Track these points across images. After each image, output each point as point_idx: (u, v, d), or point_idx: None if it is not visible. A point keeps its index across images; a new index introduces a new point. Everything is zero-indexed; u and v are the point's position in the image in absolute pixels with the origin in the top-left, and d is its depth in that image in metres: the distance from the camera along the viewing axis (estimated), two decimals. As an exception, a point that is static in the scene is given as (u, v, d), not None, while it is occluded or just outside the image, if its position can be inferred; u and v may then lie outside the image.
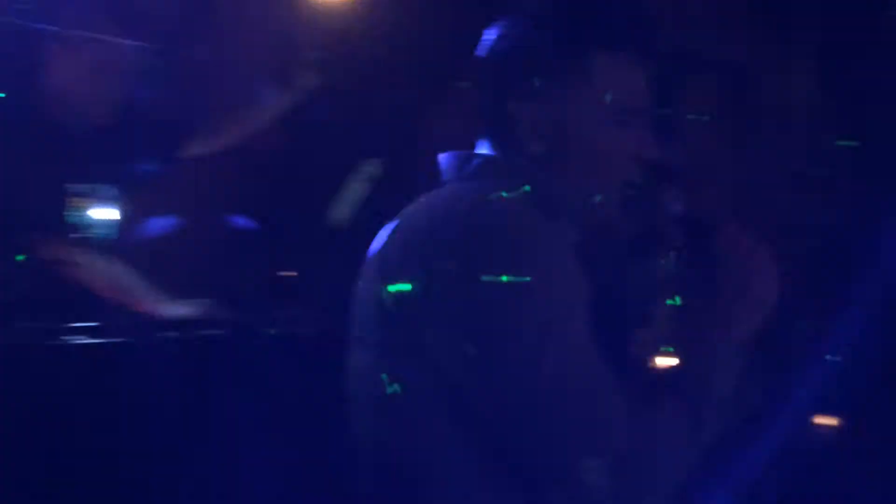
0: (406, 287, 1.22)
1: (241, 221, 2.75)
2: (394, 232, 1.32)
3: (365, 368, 1.29)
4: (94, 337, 2.06)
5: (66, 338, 2.04)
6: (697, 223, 1.37)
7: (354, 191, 2.66)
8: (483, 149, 1.35)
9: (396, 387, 1.22)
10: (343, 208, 2.71)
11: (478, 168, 1.31)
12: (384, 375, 1.23)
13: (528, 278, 1.17)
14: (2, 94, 2.26)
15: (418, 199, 1.36)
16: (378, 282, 1.27)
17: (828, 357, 1.85)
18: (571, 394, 1.16)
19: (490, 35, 1.34)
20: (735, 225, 1.30)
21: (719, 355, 1.25)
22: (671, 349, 1.29)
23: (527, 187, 1.26)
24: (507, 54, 1.31)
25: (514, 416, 1.18)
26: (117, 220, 2.49)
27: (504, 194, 1.23)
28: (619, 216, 1.33)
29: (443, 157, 1.38)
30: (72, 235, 2.36)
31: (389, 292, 1.23)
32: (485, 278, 1.17)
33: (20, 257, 2.22)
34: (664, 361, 1.30)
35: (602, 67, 1.27)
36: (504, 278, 1.17)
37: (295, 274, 2.70)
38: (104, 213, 2.45)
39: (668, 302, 1.37)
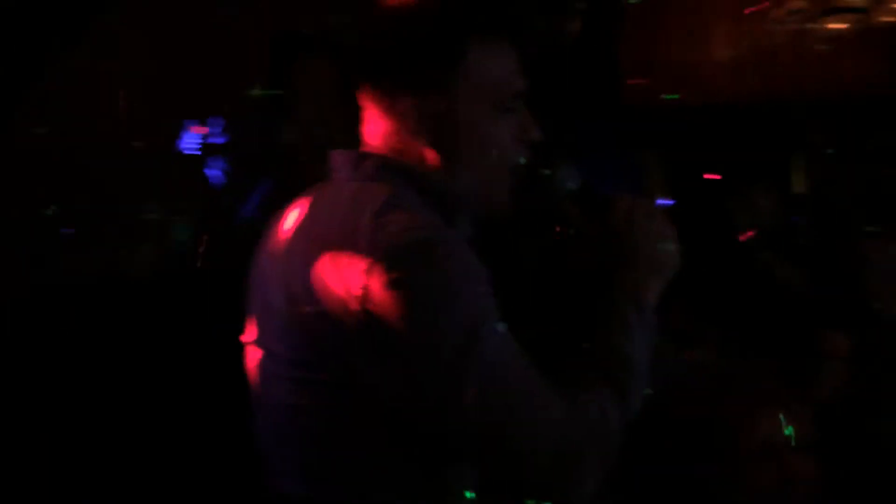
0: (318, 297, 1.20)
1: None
2: (295, 232, 1.26)
3: (275, 378, 1.28)
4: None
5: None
6: (593, 199, 1.36)
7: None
8: (372, 146, 1.34)
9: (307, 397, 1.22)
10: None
11: (373, 168, 1.30)
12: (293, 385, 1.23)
13: (445, 284, 1.17)
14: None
15: (310, 194, 1.36)
16: (283, 288, 1.24)
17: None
18: (502, 400, 1.15)
19: (369, 30, 1.35)
20: (629, 198, 1.35)
21: (628, 325, 1.26)
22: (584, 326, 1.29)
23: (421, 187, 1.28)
24: (385, 49, 1.30)
25: (449, 425, 1.17)
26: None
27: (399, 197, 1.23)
28: (511, 202, 1.33)
29: (336, 155, 1.36)
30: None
31: (298, 300, 1.22)
32: (400, 288, 1.15)
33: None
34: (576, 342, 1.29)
35: (477, 57, 1.27)
36: (419, 286, 1.16)
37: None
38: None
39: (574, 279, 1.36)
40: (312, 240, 1.25)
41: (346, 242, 1.19)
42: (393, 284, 1.14)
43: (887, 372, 3.47)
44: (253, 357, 1.36)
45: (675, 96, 5.05)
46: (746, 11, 4.68)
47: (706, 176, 2.44)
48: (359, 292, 1.15)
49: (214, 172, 3.38)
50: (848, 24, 4.08)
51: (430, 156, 1.30)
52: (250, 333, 1.37)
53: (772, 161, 4.28)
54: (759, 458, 1.55)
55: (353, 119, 1.42)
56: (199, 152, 3.43)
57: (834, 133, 4.76)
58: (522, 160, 1.34)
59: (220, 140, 3.58)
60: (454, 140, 1.29)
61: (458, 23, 1.27)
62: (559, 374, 1.22)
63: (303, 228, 1.29)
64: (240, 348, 1.38)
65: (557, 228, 1.44)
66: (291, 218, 1.34)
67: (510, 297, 1.22)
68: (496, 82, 1.29)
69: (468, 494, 1.21)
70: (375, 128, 1.35)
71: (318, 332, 1.19)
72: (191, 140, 3.44)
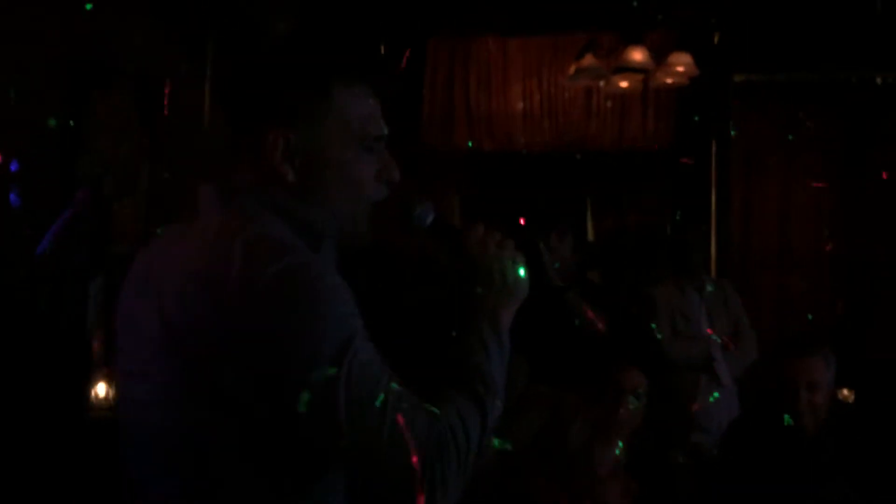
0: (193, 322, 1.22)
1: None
2: (167, 264, 1.30)
3: (146, 402, 1.27)
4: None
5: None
6: (447, 230, 1.46)
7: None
8: (239, 179, 1.36)
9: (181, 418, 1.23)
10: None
11: (241, 201, 1.32)
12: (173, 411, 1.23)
13: (315, 306, 1.20)
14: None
15: (180, 228, 1.36)
16: (157, 315, 1.25)
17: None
18: (370, 414, 1.20)
19: (242, 75, 1.38)
20: (481, 227, 1.44)
21: (486, 344, 1.34)
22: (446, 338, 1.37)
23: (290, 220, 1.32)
24: (254, 93, 1.34)
25: (323, 440, 1.21)
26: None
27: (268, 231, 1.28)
28: (367, 232, 1.40)
29: (204, 190, 1.37)
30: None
31: (173, 326, 1.23)
32: (273, 311, 1.19)
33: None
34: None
35: (342, 100, 1.33)
36: (291, 309, 1.19)
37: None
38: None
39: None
40: (186, 270, 1.24)
41: (218, 271, 1.19)
42: (266, 308, 1.17)
43: (675, 405, 3.76)
44: (125, 384, 1.34)
45: (469, 144, 5.31)
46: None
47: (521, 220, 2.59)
48: (233, 315, 1.17)
49: (13, 199, 3.22)
50: (632, 84, 4.42)
51: (296, 187, 1.33)
52: (122, 361, 1.35)
53: (566, 208, 4.54)
54: (610, 478, 1.68)
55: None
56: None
57: (619, 183, 5.14)
58: (379, 196, 1.39)
59: (13, 168, 3.42)
60: (320, 173, 1.33)
61: (324, 63, 1.34)
62: (420, 388, 1.27)
63: (175, 259, 1.29)
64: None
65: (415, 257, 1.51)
66: (160, 251, 1.34)
67: (373, 318, 1.28)
68: (360, 123, 1.35)
69: None
70: (244, 160, 1.36)
71: (194, 355, 1.19)
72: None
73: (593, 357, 2.68)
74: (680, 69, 4.14)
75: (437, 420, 1.24)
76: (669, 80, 4.26)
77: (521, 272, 1.40)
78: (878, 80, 5.47)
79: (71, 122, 3.73)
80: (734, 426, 2.97)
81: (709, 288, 4.16)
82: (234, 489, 1.23)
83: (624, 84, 4.39)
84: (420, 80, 5.35)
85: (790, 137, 5.55)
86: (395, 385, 1.23)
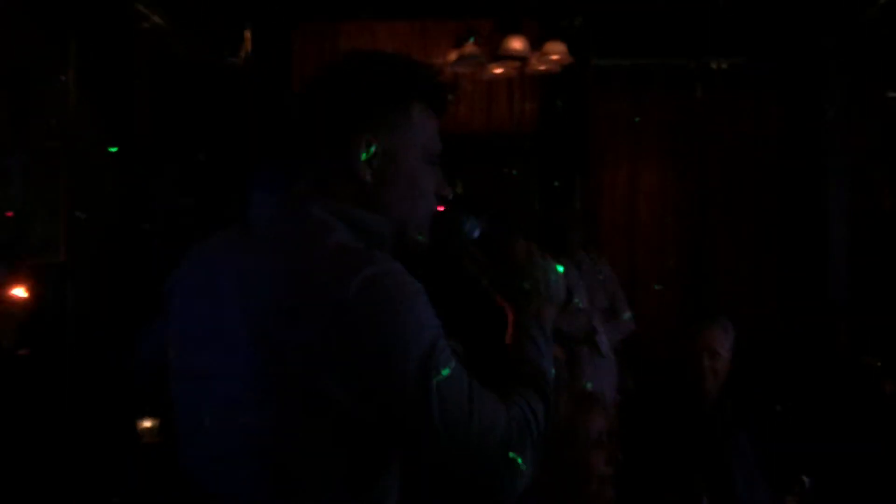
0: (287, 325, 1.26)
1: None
2: (243, 269, 1.35)
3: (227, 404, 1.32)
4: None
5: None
6: (490, 241, 1.58)
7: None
8: (305, 186, 1.42)
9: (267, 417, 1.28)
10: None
11: (310, 209, 1.39)
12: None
13: (404, 311, 1.28)
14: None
15: (236, 234, 1.42)
16: (244, 319, 1.30)
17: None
18: (460, 408, 1.30)
19: (336, 80, 1.45)
20: (523, 240, 1.57)
21: (537, 343, 1.49)
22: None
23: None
24: (349, 97, 1.42)
25: (419, 435, 1.29)
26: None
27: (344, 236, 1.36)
28: (425, 240, 1.49)
29: (264, 195, 1.43)
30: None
31: (263, 328, 1.28)
32: (367, 316, 1.26)
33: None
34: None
35: (418, 116, 1.44)
36: (383, 314, 1.27)
37: None
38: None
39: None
40: (274, 279, 1.28)
41: (308, 277, 1.26)
42: (358, 318, 1.23)
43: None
44: (192, 386, 1.36)
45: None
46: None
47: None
48: (326, 325, 1.23)
49: None
50: (507, 71, 4.59)
51: (364, 194, 1.41)
52: (183, 364, 1.37)
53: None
54: (595, 446, 1.83)
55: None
56: None
57: (489, 166, 5.31)
58: (435, 207, 1.48)
59: None
60: (393, 178, 1.41)
61: (409, 84, 1.44)
62: (487, 383, 1.38)
63: (256, 266, 1.32)
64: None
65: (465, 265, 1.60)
66: (224, 256, 1.36)
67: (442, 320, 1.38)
68: (428, 139, 1.45)
69: None
70: (317, 166, 1.42)
71: (288, 357, 1.24)
72: None
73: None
74: (555, 57, 4.35)
75: (514, 411, 1.36)
76: (543, 68, 4.46)
77: (560, 280, 1.53)
78: (714, 66, 5.91)
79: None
80: (635, 393, 3.21)
81: (585, 264, 4.41)
82: (312, 491, 1.29)
83: (499, 71, 4.55)
84: (289, 66, 5.34)
85: (636, 120, 5.92)
86: (472, 379, 1.33)
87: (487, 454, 1.31)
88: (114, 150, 4.52)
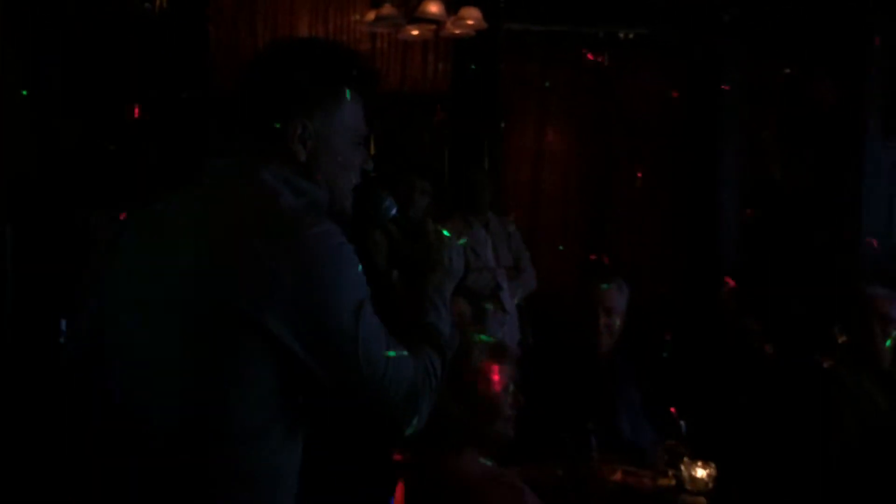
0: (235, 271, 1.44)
1: None
2: (195, 221, 1.52)
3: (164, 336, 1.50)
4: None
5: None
6: (407, 221, 1.80)
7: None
8: (251, 155, 1.60)
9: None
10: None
11: (265, 178, 1.57)
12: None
13: (345, 266, 1.50)
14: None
15: (188, 193, 1.59)
16: (195, 261, 1.48)
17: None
18: (379, 353, 1.51)
19: (274, 67, 1.62)
20: (433, 222, 1.82)
21: (438, 310, 1.70)
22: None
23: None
24: (286, 84, 1.59)
25: (343, 371, 1.49)
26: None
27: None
28: (349, 209, 1.70)
29: (216, 162, 1.62)
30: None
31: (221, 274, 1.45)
32: (313, 267, 1.45)
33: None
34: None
35: (347, 101, 1.63)
36: (327, 266, 1.47)
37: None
38: None
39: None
40: (230, 226, 1.46)
41: (262, 230, 1.44)
42: (309, 260, 1.43)
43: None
44: (127, 318, 1.50)
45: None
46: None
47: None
48: (278, 269, 1.41)
49: None
50: (422, 33, 4.72)
51: (303, 165, 1.58)
52: (133, 298, 1.51)
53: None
54: (502, 390, 2.04)
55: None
56: None
57: (401, 125, 5.43)
58: (358, 182, 1.70)
59: None
60: (324, 157, 1.61)
61: (341, 72, 1.63)
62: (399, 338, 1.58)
63: (210, 218, 1.48)
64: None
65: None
66: (177, 210, 1.53)
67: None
68: (356, 122, 1.65)
69: None
70: (261, 142, 1.58)
71: (237, 296, 1.41)
72: None
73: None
74: (470, 22, 4.49)
75: (419, 363, 1.57)
76: (458, 32, 4.60)
77: (460, 256, 1.75)
78: (621, 35, 6.13)
79: None
80: (534, 347, 3.42)
81: (492, 223, 4.61)
82: (245, 424, 1.46)
83: (415, 32, 4.67)
84: (206, 16, 5.35)
85: (546, 84, 6.11)
86: (387, 332, 1.53)
87: (397, 396, 1.52)
88: (24, 92, 4.50)
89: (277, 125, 1.56)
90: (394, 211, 1.82)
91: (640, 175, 6.12)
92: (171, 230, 1.54)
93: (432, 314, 1.67)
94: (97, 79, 4.90)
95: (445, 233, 1.77)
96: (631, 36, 6.14)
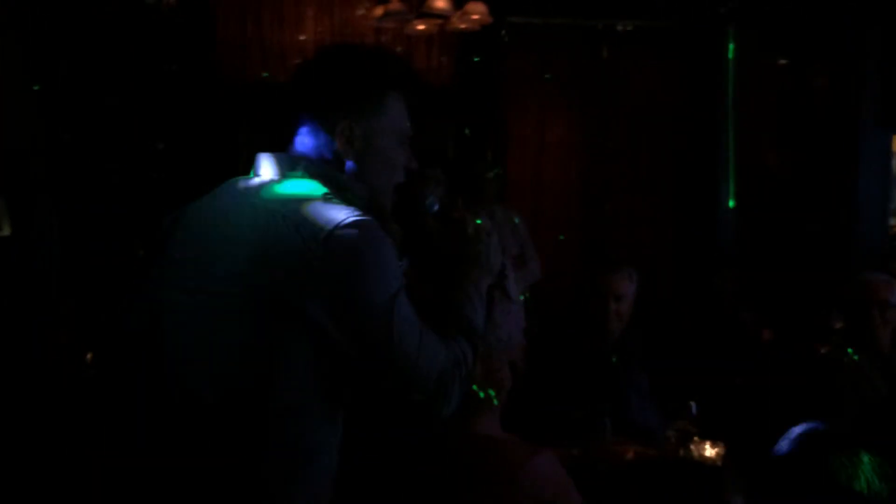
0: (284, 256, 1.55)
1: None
2: (246, 213, 1.62)
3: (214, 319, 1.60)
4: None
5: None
6: (444, 210, 1.87)
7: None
8: (298, 153, 1.72)
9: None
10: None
11: (307, 170, 1.68)
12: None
13: (381, 258, 1.60)
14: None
15: (241, 184, 1.69)
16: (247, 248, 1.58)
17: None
18: (411, 340, 1.60)
19: (321, 72, 1.74)
20: (469, 217, 1.90)
21: (473, 304, 1.79)
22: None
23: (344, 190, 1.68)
24: (333, 88, 1.71)
25: (377, 357, 1.60)
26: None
27: (331, 196, 1.63)
28: (388, 205, 1.79)
29: (265, 157, 1.71)
30: None
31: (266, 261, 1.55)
32: (353, 256, 1.56)
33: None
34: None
35: (391, 103, 1.73)
36: (365, 256, 1.57)
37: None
38: None
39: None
40: (276, 216, 1.56)
41: (306, 220, 1.54)
42: (347, 252, 1.53)
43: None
44: (181, 301, 1.61)
45: (266, 74, 5.47)
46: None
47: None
48: (320, 256, 1.51)
49: None
50: (429, 28, 4.80)
51: (347, 165, 1.68)
52: (172, 283, 1.62)
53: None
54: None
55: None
56: None
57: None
58: (402, 180, 1.79)
59: None
60: (369, 156, 1.71)
61: (385, 76, 1.73)
62: (432, 327, 1.67)
63: (260, 209, 1.58)
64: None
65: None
66: (227, 201, 1.65)
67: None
68: (400, 123, 1.75)
69: None
70: (309, 140, 1.69)
71: (281, 283, 1.51)
72: None
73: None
74: (475, 17, 4.58)
75: (451, 352, 1.67)
76: (464, 26, 4.69)
77: (500, 255, 1.88)
78: (619, 28, 6.22)
79: None
80: (539, 336, 3.52)
81: (497, 214, 4.70)
82: (285, 402, 1.56)
83: (422, 27, 4.76)
84: (213, 11, 5.42)
85: (547, 77, 6.19)
86: (420, 321, 1.64)
87: (429, 381, 1.62)
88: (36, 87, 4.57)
89: (325, 126, 1.67)
90: (436, 207, 1.90)
91: (639, 166, 6.21)
92: (221, 222, 1.64)
93: (468, 308, 1.77)
94: (102, 74, 4.98)
95: (478, 221, 1.86)
96: (630, 28, 6.22)
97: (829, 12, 5.53)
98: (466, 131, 5.53)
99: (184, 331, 1.60)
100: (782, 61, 5.99)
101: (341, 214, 1.56)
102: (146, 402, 1.64)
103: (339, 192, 1.66)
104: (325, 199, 1.61)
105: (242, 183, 1.70)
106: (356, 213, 1.58)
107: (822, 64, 5.80)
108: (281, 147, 1.72)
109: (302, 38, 5.50)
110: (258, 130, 5.47)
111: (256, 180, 1.69)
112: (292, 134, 1.72)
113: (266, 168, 1.71)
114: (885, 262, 5.39)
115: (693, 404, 2.77)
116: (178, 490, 1.59)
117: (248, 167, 1.74)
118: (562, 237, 6.12)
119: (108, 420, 1.75)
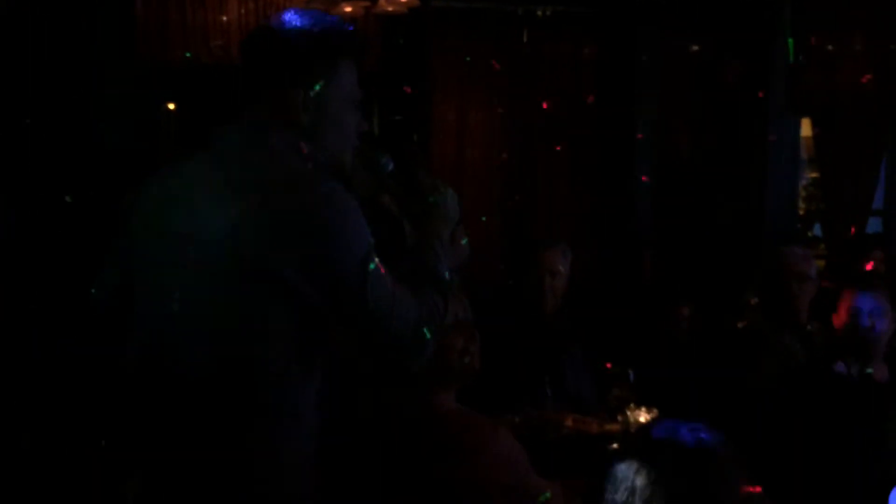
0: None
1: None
2: (212, 182, 1.65)
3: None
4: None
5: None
6: (401, 173, 1.92)
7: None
8: (255, 123, 1.75)
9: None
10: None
11: (275, 144, 1.72)
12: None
13: (355, 219, 1.67)
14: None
15: (203, 159, 1.73)
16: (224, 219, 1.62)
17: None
18: (385, 293, 1.68)
19: (274, 40, 1.77)
20: (427, 173, 1.99)
21: (437, 254, 1.85)
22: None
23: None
24: (287, 56, 1.74)
25: (353, 310, 1.67)
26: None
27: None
28: (350, 168, 1.84)
29: (228, 129, 1.75)
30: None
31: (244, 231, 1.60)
32: (328, 219, 1.63)
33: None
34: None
35: (343, 70, 1.78)
36: (340, 219, 1.65)
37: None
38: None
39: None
40: (246, 187, 1.60)
41: (276, 190, 1.60)
42: (317, 217, 1.59)
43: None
44: (164, 276, 1.62)
45: (188, 54, 5.39)
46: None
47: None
48: (293, 223, 1.57)
49: None
50: (355, 10, 4.81)
51: (306, 131, 1.71)
52: (150, 259, 1.64)
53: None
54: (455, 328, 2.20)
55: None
56: None
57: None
58: (357, 143, 1.84)
59: None
60: (324, 122, 1.75)
61: (337, 45, 1.77)
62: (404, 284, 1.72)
63: (228, 179, 1.61)
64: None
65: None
66: (190, 175, 1.67)
67: None
68: (351, 88, 1.80)
69: None
70: (265, 110, 1.73)
71: (257, 250, 1.56)
72: None
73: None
74: (403, 0, 4.61)
75: (423, 301, 1.73)
76: (391, 9, 4.72)
77: (454, 202, 1.88)
78: (539, 13, 6.31)
79: None
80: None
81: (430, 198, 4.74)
82: (269, 365, 1.60)
83: (348, 10, 4.76)
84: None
85: (467, 59, 6.24)
86: (390, 275, 1.68)
87: (405, 333, 1.70)
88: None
89: (280, 94, 1.71)
90: (391, 166, 1.94)
91: (558, 149, 6.32)
92: (185, 195, 1.65)
93: (432, 259, 1.83)
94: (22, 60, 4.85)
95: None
96: (549, 13, 6.30)
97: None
98: (397, 117, 5.55)
99: (161, 302, 1.62)
100: (695, 47, 6.18)
101: (310, 180, 1.61)
102: (133, 378, 1.66)
103: (302, 158, 1.70)
104: (291, 166, 1.65)
105: (202, 156, 1.72)
106: (327, 180, 1.62)
107: (734, 50, 6.01)
108: (236, 119, 1.74)
109: (224, 18, 5.43)
110: (187, 108, 5.42)
111: (219, 153, 1.71)
112: (247, 105, 1.74)
113: (224, 140, 1.73)
114: (795, 242, 5.60)
115: (631, 372, 2.87)
116: (169, 464, 1.63)
117: (179, 144, 1.77)
118: (483, 219, 6.19)
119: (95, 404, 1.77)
